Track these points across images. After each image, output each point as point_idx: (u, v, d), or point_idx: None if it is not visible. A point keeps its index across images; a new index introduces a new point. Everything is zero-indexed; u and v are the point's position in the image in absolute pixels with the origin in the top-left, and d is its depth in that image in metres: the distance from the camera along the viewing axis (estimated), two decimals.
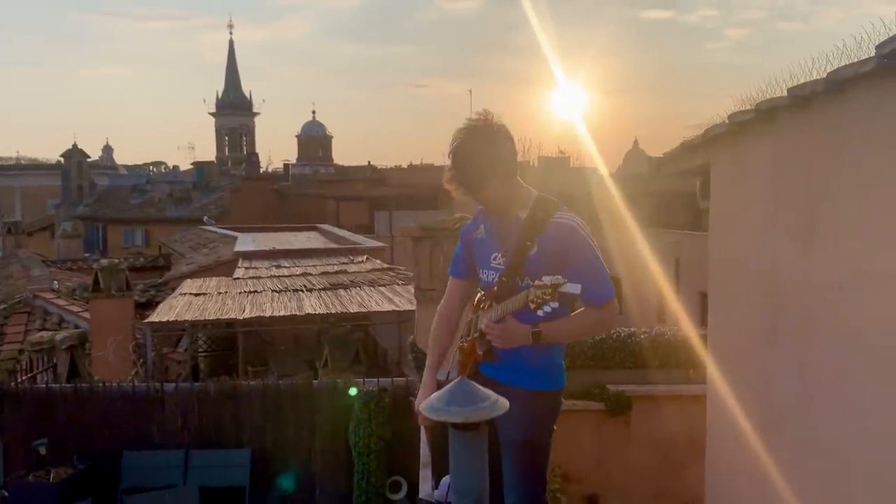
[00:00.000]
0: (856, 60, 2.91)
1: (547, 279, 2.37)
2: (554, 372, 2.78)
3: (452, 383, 1.70)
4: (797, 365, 3.51)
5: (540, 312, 2.39)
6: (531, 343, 2.56)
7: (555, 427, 2.84)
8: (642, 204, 17.00)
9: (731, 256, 4.47)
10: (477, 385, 1.70)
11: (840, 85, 2.97)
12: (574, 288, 2.41)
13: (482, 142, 2.50)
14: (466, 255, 2.88)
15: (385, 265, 12.40)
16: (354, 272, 11.57)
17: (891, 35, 2.83)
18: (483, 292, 2.78)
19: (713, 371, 4.84)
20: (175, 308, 8.73)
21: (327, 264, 12.64)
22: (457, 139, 2.52)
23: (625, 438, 7.07)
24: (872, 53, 2.82)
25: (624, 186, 19.50)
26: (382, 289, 9.65)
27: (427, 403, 1.68)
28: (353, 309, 8.61)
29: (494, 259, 2.70)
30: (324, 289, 9.90)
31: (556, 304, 2.39)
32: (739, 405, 4.29)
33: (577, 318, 2.65)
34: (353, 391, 7.09)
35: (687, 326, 8.06)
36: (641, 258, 17.09)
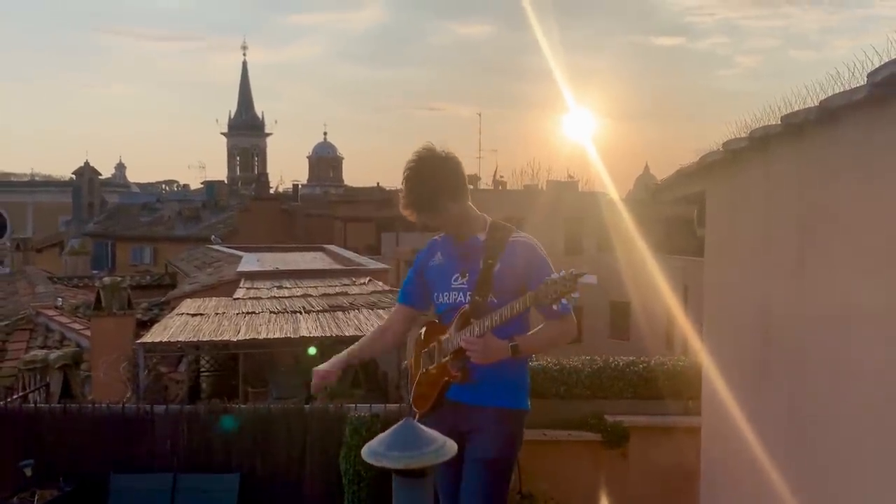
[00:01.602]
0: (848, 88, 2.83)
1: (557, 274, 2.38)
2: (524, 391, 2.82)
3: (395, 425, 1.59)
4: (788, 399, 3.40)
5: (556, 307, 2.40)
6: (510, 356, 2.59)
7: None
8: (652, 229, 16.90)
9: (725, 286, 4.37)
10: (423, 427, 1.59)
11: (832, 113, 2.88)
12: (591, 279, 2.44)
13: (431, 167, 2.65)
14: (419, 283, 2.95)
15: (387, 287, 12.30)
16: (355, 294, 11.48)
17: (883, 63, 2.74)
18: (439, 318, 2.82)
19: (707, 402, 4.72)
20: (170, 328, 8.65)
21: (329, 286, 12.55)
22: (408, 168, 2.68)
23: (622, 470, 6.90)
24: (863, 82, 2.74)
25: (634, 211, 19.42)
26: (381, 312, 9.54)
27: (368, 448, 1.57)
28: (350, 332, 8.49)
29: (455, 280, 2.76)
30: (322, 311, 9.79)
31: (577, 295, 2.37)
32: (733, 438, 4.16)
33: (545, 330, 2.71)
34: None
35: (693, 354, 7.92)
36: (650, 283, 16.93)
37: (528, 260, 2.67)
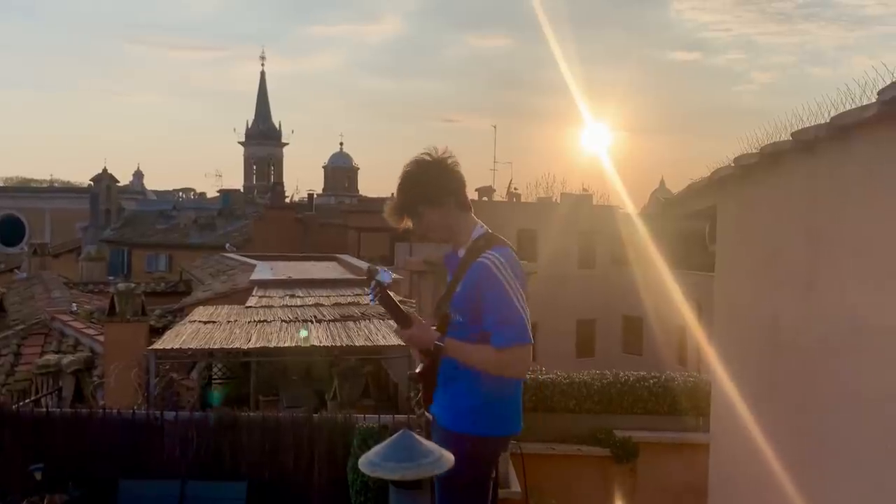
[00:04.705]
0: (859, 105, 2.82)
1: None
2: (477, 416, 2.60)
3: (393, 436, 1.58)
4: (797, 415, 3.36)
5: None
6: (431, 351, 2.61)
7: (477, 475, 2.68)
8: (667, 244, 16.81)
9: (734, 301, 4.33)
10: (421, 439, 1.59)
11: (842, 130, 2.87)
12: (386, 276, 2.69)
13: (417, 172, 2.67)
14: None
15: (399, 298, 12.29)
16: (366, 304, 11.48)
17: (894, 80, 2.73)
18: None
19: (716, 418, 4.68)
20: (182, 335, 8.67)
21: (341, 295, 12.55)
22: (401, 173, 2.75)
23: (631, 486, 6.85)
24: (874, 99, 2.72)
25: (649, 226, 19.35)
26: (391, 322, 9.54)
27: (365, 458, 1.57)
28: (360, 342, 8.50)
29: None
30: (333, 320, 9.80)
31: (384, 278, 2.67)
32: (741, 454, 4.12)
33: (478, 350, 2.54)
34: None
35: (705, 371, 7.87)
36: (664, 298, 16.82)
37: (480, 283, 2.54)
